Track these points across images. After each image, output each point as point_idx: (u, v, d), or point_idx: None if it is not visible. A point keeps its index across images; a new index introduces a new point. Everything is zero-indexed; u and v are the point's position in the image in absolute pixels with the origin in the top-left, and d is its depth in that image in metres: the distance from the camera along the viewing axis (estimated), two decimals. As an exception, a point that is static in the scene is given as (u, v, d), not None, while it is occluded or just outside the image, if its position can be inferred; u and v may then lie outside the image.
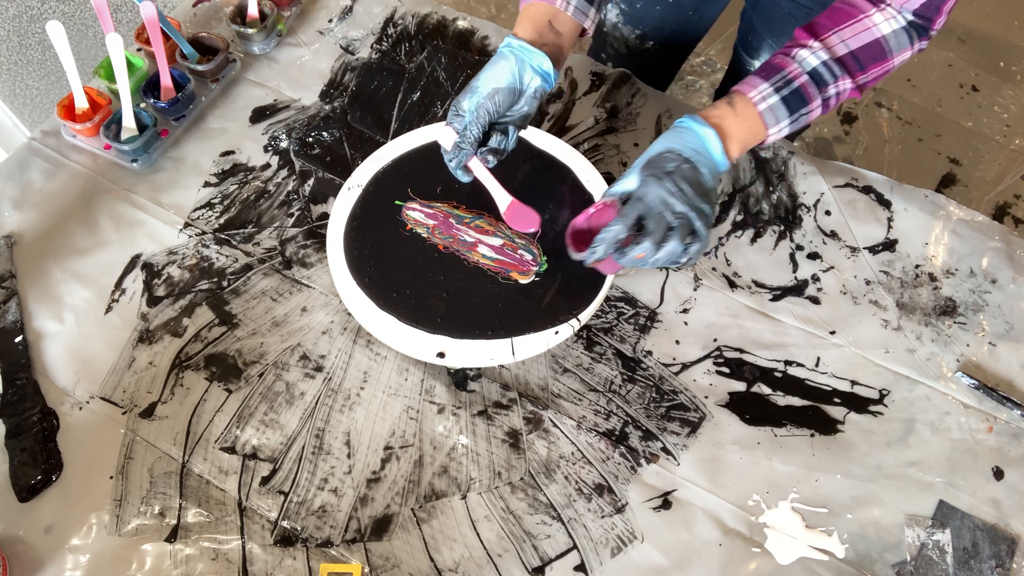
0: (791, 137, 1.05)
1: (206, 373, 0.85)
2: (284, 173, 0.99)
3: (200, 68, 1.02)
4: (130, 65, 1.01)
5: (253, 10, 1.06)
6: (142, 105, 0.99)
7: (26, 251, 0.92)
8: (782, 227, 0.94)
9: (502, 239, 0.88)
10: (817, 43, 0.77)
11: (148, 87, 1.00)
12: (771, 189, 0.97)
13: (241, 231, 0.94)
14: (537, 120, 1.03)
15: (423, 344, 0.83)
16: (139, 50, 1.04)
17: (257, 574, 0.74)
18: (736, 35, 1.18)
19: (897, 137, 1.87)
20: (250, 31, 1.05)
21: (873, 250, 0.93)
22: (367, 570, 0.75)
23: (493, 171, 0.83)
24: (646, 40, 1.16)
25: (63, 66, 0.93)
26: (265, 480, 0.79)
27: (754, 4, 1.09)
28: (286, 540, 0.76)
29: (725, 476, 0.79)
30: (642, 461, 0.80)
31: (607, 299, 0.89)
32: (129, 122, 0.96)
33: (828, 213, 0.95)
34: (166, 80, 0.99)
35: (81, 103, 0.96)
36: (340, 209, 0.91)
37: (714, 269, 0.92)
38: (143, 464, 0.79)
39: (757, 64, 1.13)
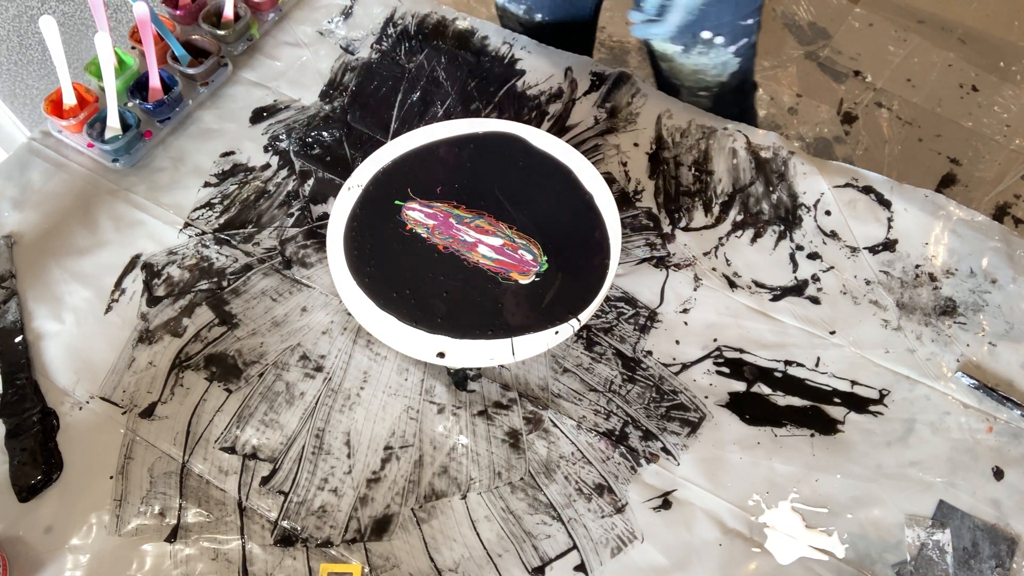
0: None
1: (206, 373, 0.85)
2: (284, 173, 0.99)
3: (190, 72, 1.01)
4: (122, 63, 1.00)
5: (229, 11, 1.05)
6: (128, 105, 0.99)
7: (26, 251, 0.92)
8: (782, 227, 0.94)
9: (502, 239, 0.88)
10: None
11: (136, 87, 0.99)
12: (771, 189, 0.97)
13: (241, 231, 0.94)
14: (537, 120, 1.03)
15: (423, 344, 0.83)
16: (133, 48, 1.03)
17: (257, 574, 0.74)
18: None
19: (897, 137, 1.87)
20: (220, 32, 1.04)
21: (873, 250, 0.93)
22: (367, 570, 0.75)
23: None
24: (533, 13, 1.18)
25: (53, 61, 0.92)
26: (265, 480, 0.79)
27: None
28: (286, 540, 0.76)
29: (725, 476, 0.79)
30: (642, 461, 0.80)
31: (607, 299, 0.89)
32: (113, 121, 0.95)
33: (828, 213, 0.95)
34: (154, 81, 0.99)
35: (69, 99, 0.96)
36: (340, 209, 0.91)
37: (714, 269, 0.92)
38: (143, 464, 0.79)
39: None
